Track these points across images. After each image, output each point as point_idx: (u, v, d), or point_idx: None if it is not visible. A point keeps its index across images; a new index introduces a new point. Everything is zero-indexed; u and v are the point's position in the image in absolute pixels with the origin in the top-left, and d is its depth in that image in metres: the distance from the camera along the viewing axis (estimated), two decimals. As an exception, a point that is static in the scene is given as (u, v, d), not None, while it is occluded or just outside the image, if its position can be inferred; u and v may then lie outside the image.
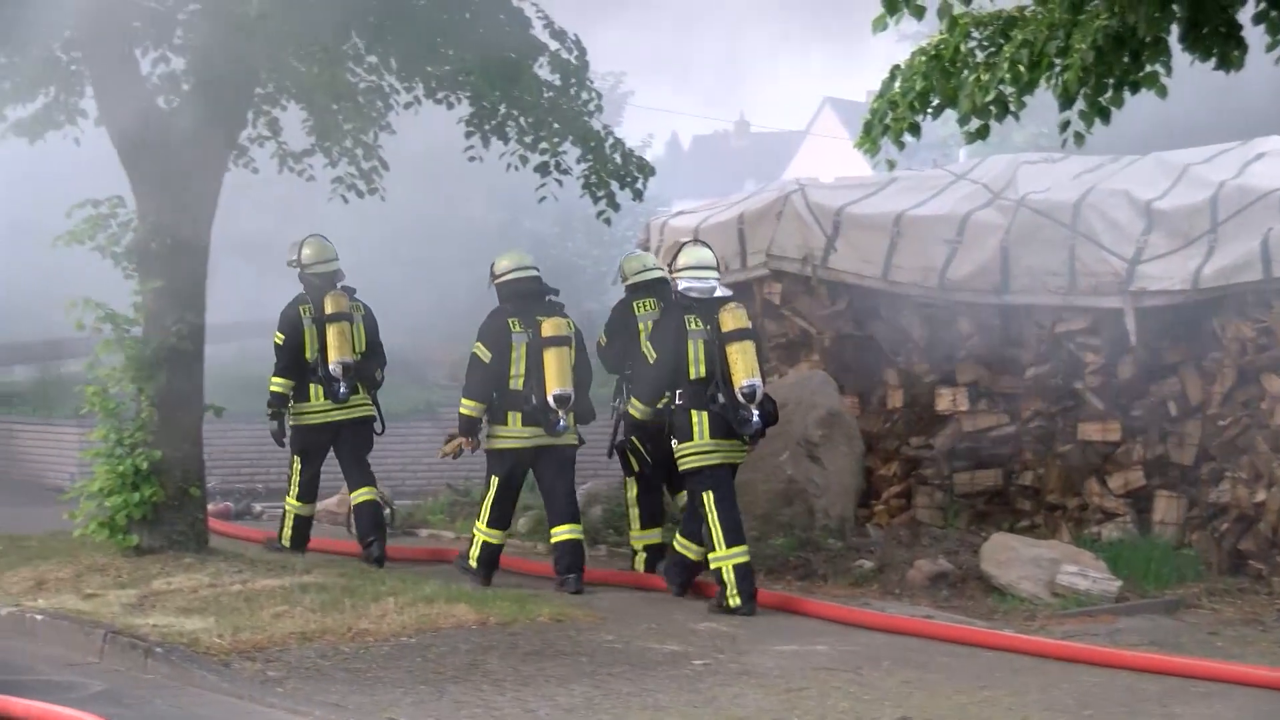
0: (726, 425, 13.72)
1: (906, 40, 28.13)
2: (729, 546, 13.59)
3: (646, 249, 19.18)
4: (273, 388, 16.21)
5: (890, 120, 9.29)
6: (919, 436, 16.68)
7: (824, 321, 17.55)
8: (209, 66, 15.16)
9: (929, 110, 9.29)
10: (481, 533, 14.80)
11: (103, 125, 15.48)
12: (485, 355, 14.78)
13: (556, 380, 14.48)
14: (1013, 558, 14.08)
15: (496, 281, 15.22)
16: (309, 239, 16.73)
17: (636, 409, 14.33)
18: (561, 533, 14.64)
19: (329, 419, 16.18)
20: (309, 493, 16.24)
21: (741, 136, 72.26)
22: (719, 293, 14.21)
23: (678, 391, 13.91)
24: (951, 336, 16.50)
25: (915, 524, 16.16)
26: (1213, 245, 15.01)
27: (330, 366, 15.97)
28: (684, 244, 14.81)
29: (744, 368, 13.66)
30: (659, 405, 14.11)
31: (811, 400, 16.60)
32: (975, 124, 9.31)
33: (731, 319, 13.86)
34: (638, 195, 16.64)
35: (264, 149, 17.07)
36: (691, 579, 14.30)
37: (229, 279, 18.16)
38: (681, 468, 14.00)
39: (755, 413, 13.67)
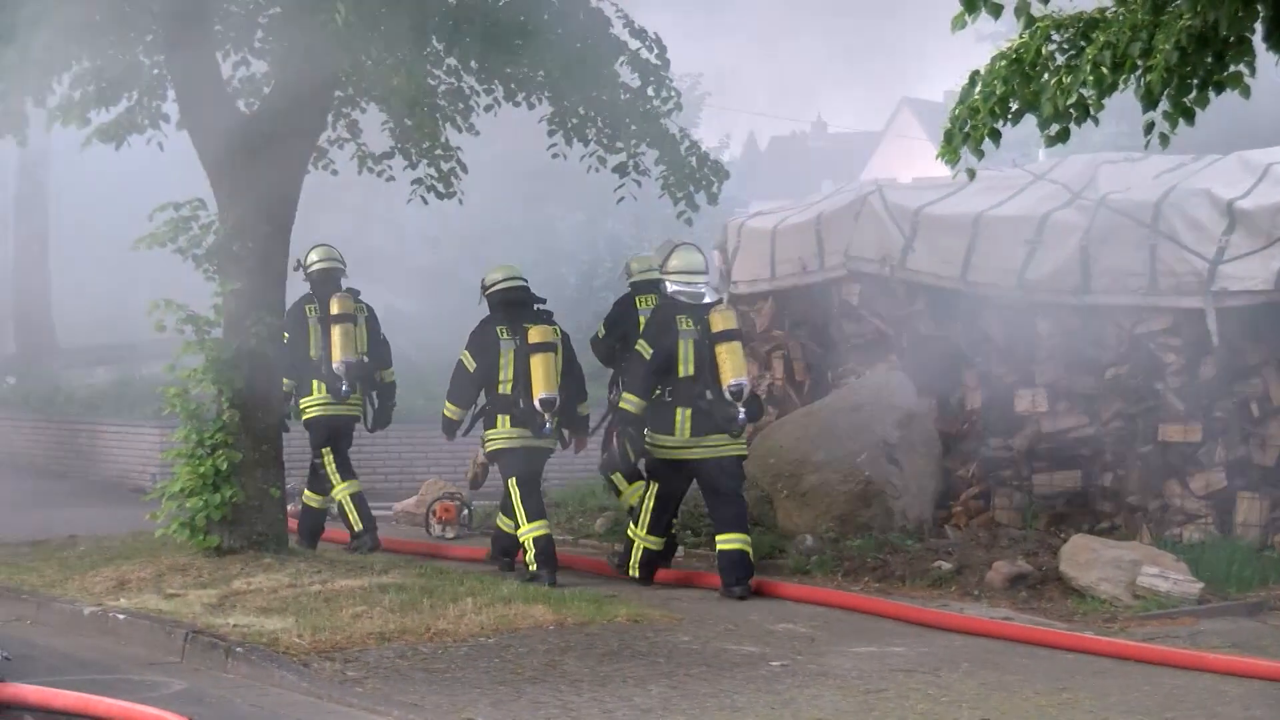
0: (709, 421, 14.46)
1: (985, 40, 28.04)
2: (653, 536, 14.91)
3: (724, 250, 19.24)
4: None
5: (970, 128, 9.25)
6: (998, 438, 16.61)
7: (902, 322, 17.52)
8: (289, 70, 15.26)
9: (1009, 116, 9.25)
10: (527, 531, 15.18)
11: (184, 129, 15.59)
12: (470, 364, 15.59)
13: (543, 385, 15.07)
14: (1092, 559, 14.00)
15: (487, 293, 15.79)
16: (315, 246, 17.36)
17: (629, 402, 14.76)
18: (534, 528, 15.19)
19: (329, 413, 16.80)
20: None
21: (819, 137, 72.17)
22: (709, 298, 14.92)
23: (666, 388, 14.62)
24: (1030, 337, 16.42)
25: (994, 525, 16.10)
26: (1295, 245, 14.90)
27: (334, 365, 16.61)
28: (677, 246, 15.24)
29: (731, 367, 14.47)
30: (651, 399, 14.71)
31: (889, 401, 16.58)
32: (1056, 127, 9.27)
33: (721, 320, 14.64)
34: (712, 199, 16.66)
35: (343, 151, 17.18)
36: (654, 570, 15.11)
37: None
38: (657, 458, 14.83)
39: (741, 410, 14.47)
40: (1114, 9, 9.14)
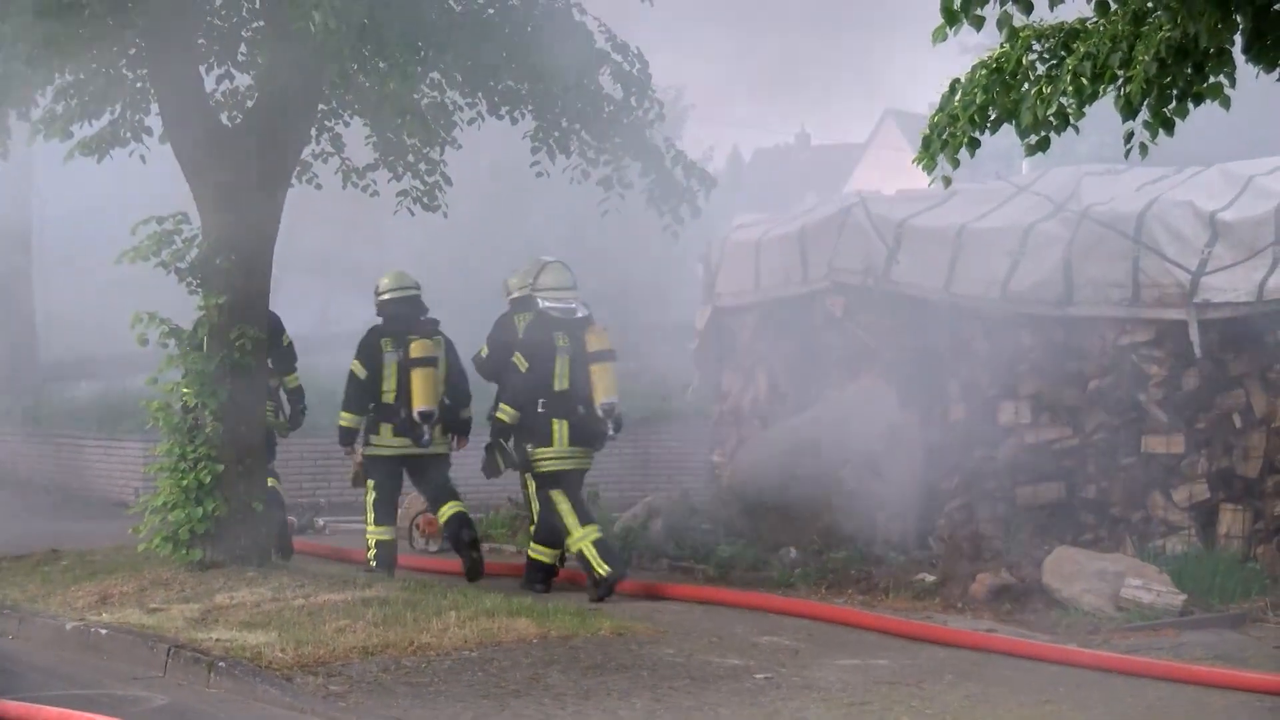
0: (584, 434, 15.11)
1: (969, 53, 28.08)
2: (583, 526, 14.96)
3: (708, 263, 19.25)
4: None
5: (948, 136, 9.26)
6: (981, 449, 16.61)
7: (886, 334, 17.52)
8: (272, 83, 15.27)
9: (988, 125, 9.26)
10: (373, 533, 15.83)
11: (167, 142, 15.59)
12: (361, 372, 15.94)
13: (421, 398, 15.56)
14: (1076, 571, 14.01)
15: (377, 300, 16.13)
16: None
17: (504, 413, 15.26)
18: (447, 509, 15.91)
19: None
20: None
21: (803, 150, 72.19)
22: (580, 313, 15.39)
23: (540, 400, 15.10)
24: (1013, 349, 16.43)
25: (977, 537, 16.09)
26: (1278, 257, 14.91)
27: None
28: (546, 264, 15.68)
29: (604, 387, 15.04)
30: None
31: (873, 414, 16.59)
32: (1035, 136, 9.28)
33: (596, 340, 15.21)
34: (696, 211, 16.65)
35: (327, 164, 17.17)
36: (550, 579, 15.44)
37: (294, 294, 18.28)
38: (538, 470, 15.21)
39: (611, 427, 15.12)
40: (1095, 20, 9.16)
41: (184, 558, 14.62)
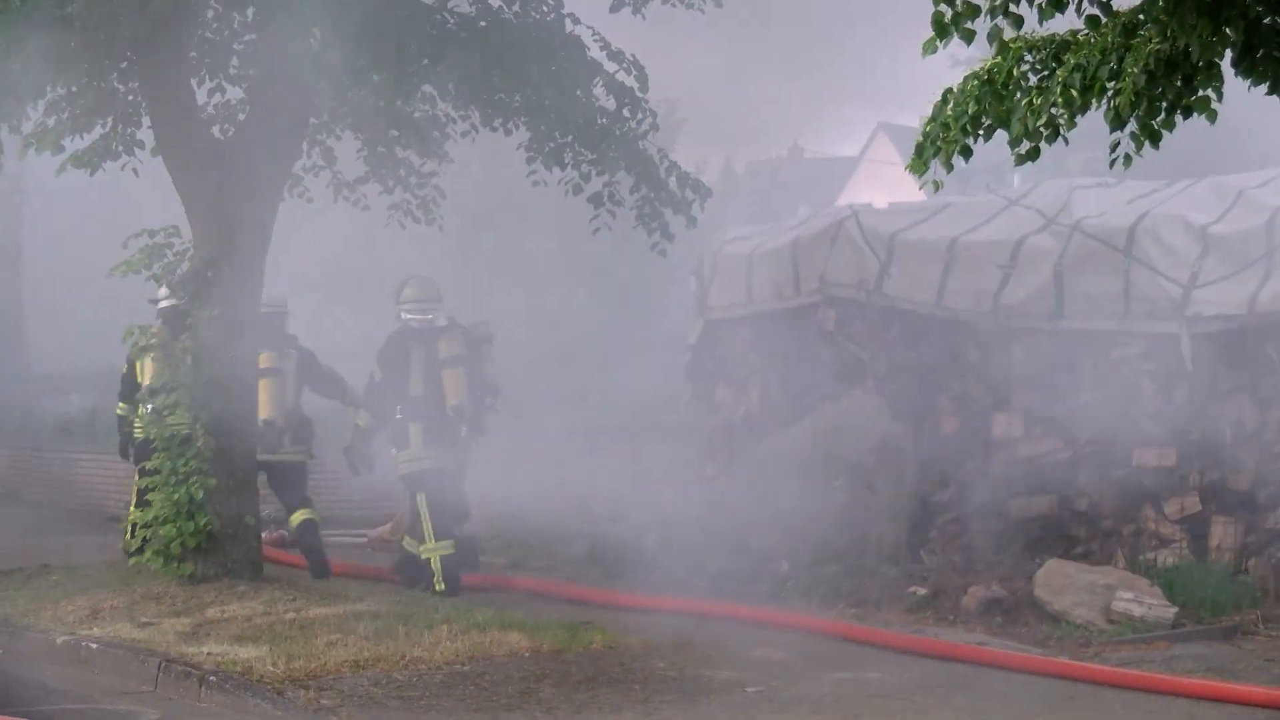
0: (440, 436, 15.88)
1: (960, 66, 28.11)
2: (437, 539, 15.76)
3: (700, 275, 19.25)
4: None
5: (941, 142, 9.28)
6: (973, 462, 16.60)
7: (878, 347, 17.52)
8: (264, 97, 15.26)
9: (980, 133, 9.28)
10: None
11: (159, 155, 15.59)
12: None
13: (262, 408, 15.96)
14: (1067, 584, 14.01)
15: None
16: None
17: (362, 418, 16.41)
18: (298, 515, 16.45)
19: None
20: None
21: (795, 163, 72.17)
22: (441, 323, 16.24)
23: (398, 406, 15.98)
24: (1005, 362, 16.43)
25: (969, 550, 16.09)
26: (1269, 270, 14.93)
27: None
28: (410, 278, 16.52)
29: (453, 390, 15.83)
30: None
31: (865, 427, 16.58)
32: (1026, 146, 9.30)
33: (446, 347, 16.02)
34: (691, 222, 16.64)
35: (319, 178, 17.17)
36: (422, 573, 15.97)
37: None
38: (399, 473, 16.10)
39: (464, 427, 15.90)
40: (1085, 32, 9.17)
41: (175, 571, 14.60)
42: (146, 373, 16.40)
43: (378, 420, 16.31)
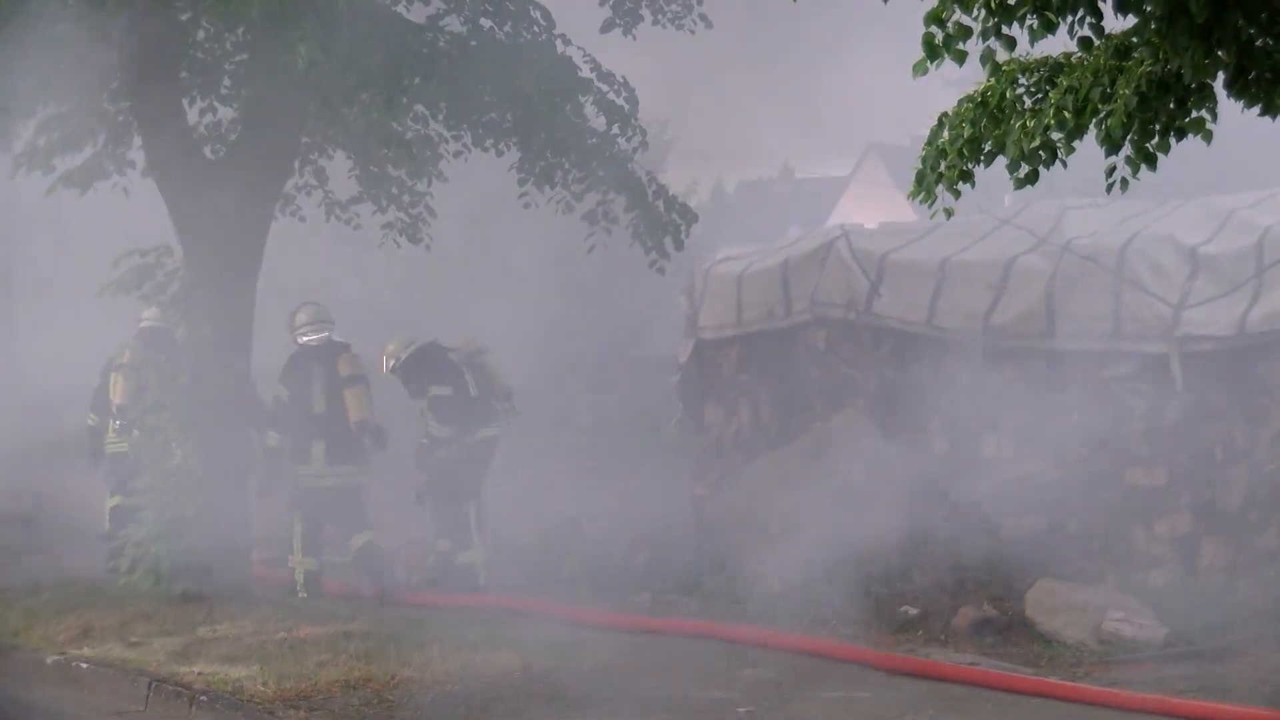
0: (342, 453, 16.33)
1: (952, 86, 28.11)
2: (305, 556, 16.37)
3: (690, 295, 19.25)
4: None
5: (944, 169, 9.28)
6: (963, 482, 16.60)
7: (868, 367, 17.53)
8: (256, 116, 15.27)
9: (981, 157, 9.28)
10: None
11: (150, 175, 15.59)
12: None
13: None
14: (1058, 604, 14.01)
15: None
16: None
17: (270, 438, 16.57)
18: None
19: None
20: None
21: (786, 183, 72.20)
22: (337, 339, 16.67)
23: (301, 424, 16.41)
24: (996, 382, 16.44)
25: (960, 570, 16.08)
26: (1259, 290, 14.94)
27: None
28: (302, 304, 16.96)
29: (355, 408, 16.31)
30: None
31: (856, 447, 16.58)
32: (1024, 170, 9.30)
33: (346, 366, 16.48)
34: (679, 244, 16.66)
35: (310, 198, 17.18)
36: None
37: (276, 326, 18.27)
38: (300, 486, 16.48)
39: (368, 443, 16.40)
40: (1079, 54, 9.18)
41: (166, 591, 14.58)
42: (117, 390, 16.92)
43: (286, 439, 16.58)
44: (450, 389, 16.81)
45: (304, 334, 16.55)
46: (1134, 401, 15.54)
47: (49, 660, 13.22)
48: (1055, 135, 9.07)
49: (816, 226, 26.36)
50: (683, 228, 16.71)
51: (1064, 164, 9.27)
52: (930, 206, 9.57)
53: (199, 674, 12.19)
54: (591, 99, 16.23)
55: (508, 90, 15.41)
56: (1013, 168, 9.27)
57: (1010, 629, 14.13)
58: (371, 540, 16.51)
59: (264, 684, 11.76)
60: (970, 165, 9.38)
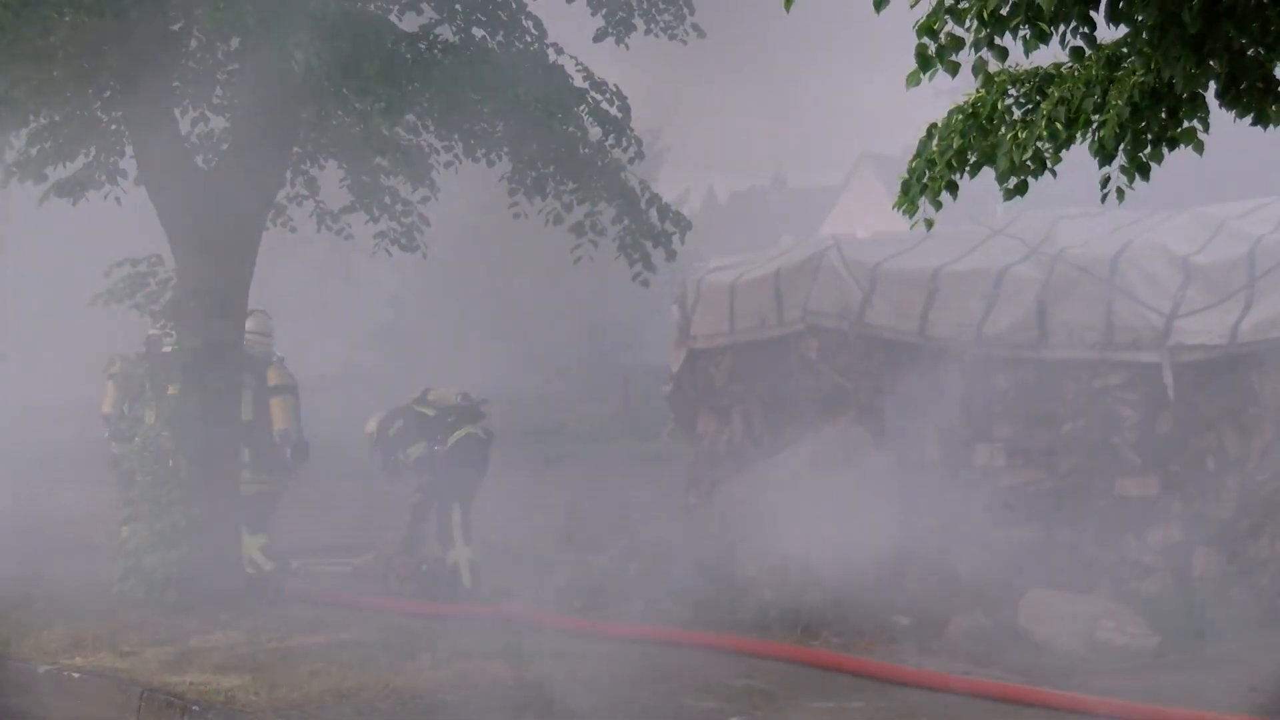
0: (266, 461, 16.69)
1: (943, 96, 28.10)
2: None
3: (683, 305, 19.27)
4: None
5: (928, 179, 9.28)
6: (956, 491, 16.62)
7: (860, 377, 17.54)
8: (248, 126, 15.27)
9: (967, 168, 9.28)
10: None
11: (142, 185, 15.58)
12: None
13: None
14: (1050, 613, 14.02)
15: None
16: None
17: None
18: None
19: None
20: None
21: (778, 192, 72.25)
22: (276, 354, 17.11)
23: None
24: (988, 391, 16.46)
25: (952, 579, 16.09)
26: (1250, 300, 14.97)
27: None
28: (253, 311, 16.86)
29: (279, 418, 16.75)
30: None
31: (847, 456, 16.59)
32: (1014, 181, 9.30)
33: (273, 376, 16.89)
34: (671, 255, 16.67)
35: (302, 208, 17.17)
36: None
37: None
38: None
39: (289, 451, 16.80)
40: (1070, 65, 9.18)
41: (158, 600, 14.56)
42: (106, 401, 17.34)
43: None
44: (423, 444, 17.30)
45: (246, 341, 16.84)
46: (1126, 411, 15.55)
47: (41, 670, 13.19)
48: (1045, 146, 9.07)
49: (809, 236, 26.39)
50: (676, 236, 16.71)
51: (1053, 174, 9.28)
52: (912, 217, 9.57)
53: (191, 684, 12.17)
54: (587, 108, 16.24)
55: (505, 98, 15.41)
56: (1002, 178, 9.27)
57: (1002, 638, 14.13)
58: (267, 543, 16.69)
59: (256, 693, 11.75)
60: (957, 176, 9.38)
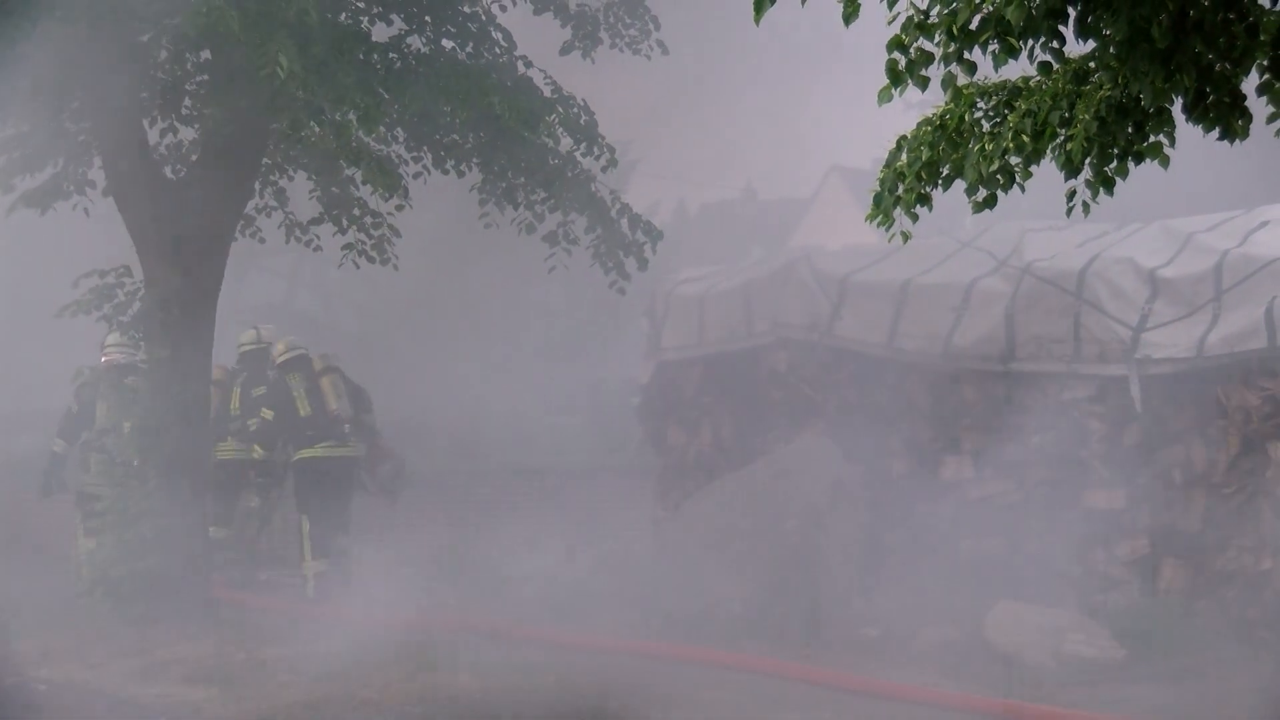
0: (111, 467, 16.43)
1: (913, 109, 28.16)
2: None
3: (652, 316, 19.26)
4: None
5: (901, 192, 9.29)
6: (924, 504, 16.63)
7: (829, 389, 17.55)
8: (217, 137, 15.24)
9: (939, 181, 9.30)
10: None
11: (110, 195, 15.55)
12: None
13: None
14: (1018, 626, 14.03)
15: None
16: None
17: (57, 444, 17.82)
18: None
19: None
20: None
21: (748, 204, 72.22)
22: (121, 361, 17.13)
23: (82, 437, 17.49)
24: (956, 403, 16.48)
25: (920, 591, 16.10)
26: (1217, 313, 14.99)
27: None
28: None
29: (129, 425, 16.42)
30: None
31: (817, 468, 16.59)
32: (983, 194, 9.32)
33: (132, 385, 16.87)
34: (643, 264, 16.68)
35: (271, 218, 17.15)
36: None
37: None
38: (83, 490, 17.19)
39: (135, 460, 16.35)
40: (1037, 79, 9.20)
41: (125, 612, 14.51)
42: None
43: (70, 447, 17.49)
44: (274, 412, 17.72)
45: (108, 354, 17.08)
46: (1093, 423, 15.58)
47: (7, 683, 13.13)
48: (1013, 159, 9.09)
49: (779, 248, 26.42)
50: (647, 245, 16.72)
51: (1022, 188, 9.31)
52: (888, 230, 9.58)
53: (157, 696, 12.15)
54: (558, 119, 16.24)
55: (478, 108, 15.40)
56: (971, 191, 9.28)
57: (970, 650, 14.14)
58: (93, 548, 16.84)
59: (224, 705, 11.73)
60: (928, 189, 9.40)
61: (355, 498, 17.64)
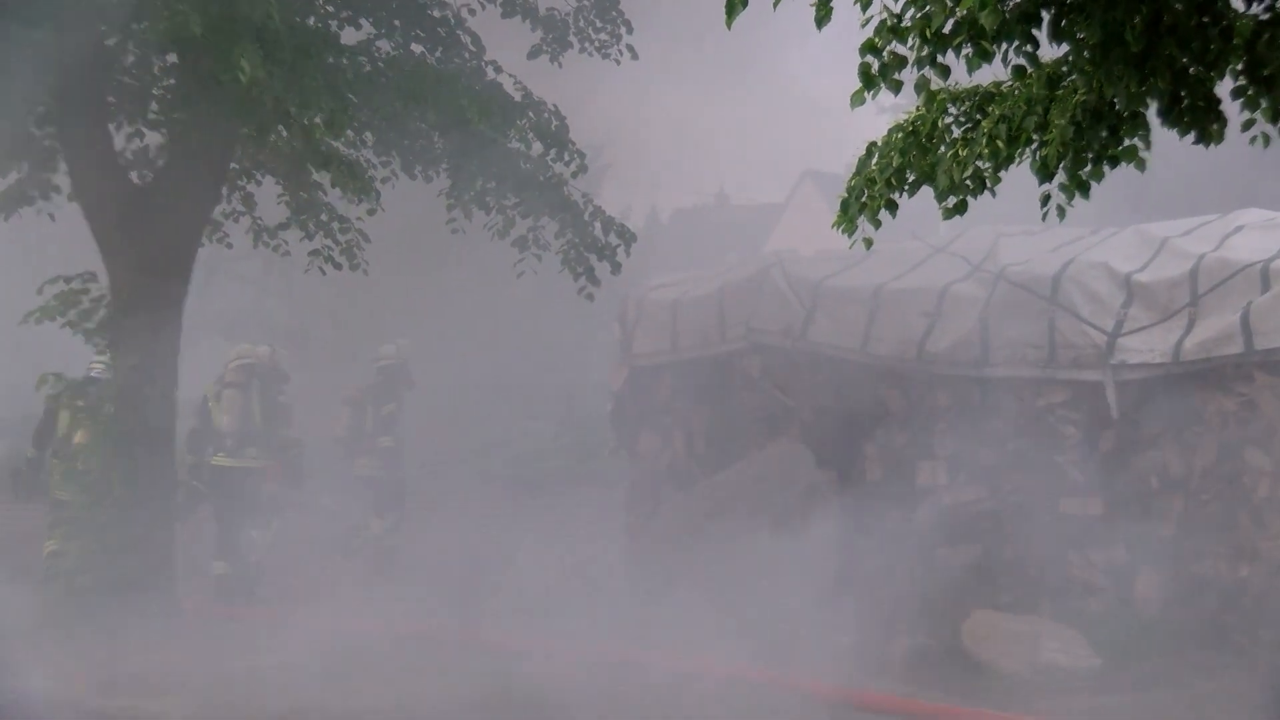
0: (71, 475, 16.49)
1: (886, 113, 28.14)
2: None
3: (623, 322, 19.19)
4: None
5: (867, 198, 9.23)
6: (898, 510, 16.56)
7: (803, 394, 17.48)
8: (184, 142, 15.13)
9: (905, 187, 9.23)
10: None
11: (76, 200, 15.43)
12: None
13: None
14: (993, 634, 13.97)
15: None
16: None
17: (31, 452, 17.40)
18: None
19: None
20: None
21: (721, 209, 72.27)
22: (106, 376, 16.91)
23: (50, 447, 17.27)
24: (930, 409, 16.42)
25: (895, 599, 16.03)
26: (1193, 318, 14.95)
27: None
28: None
29: (81, 435, 16.51)
30: None
31: (791, 474, 16.52)
32: (953, 200, 9.25)
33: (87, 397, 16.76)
34: (616, 268, 16.60)
35: (238, 224, 17.05)
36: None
37: (209, 352, 18.24)
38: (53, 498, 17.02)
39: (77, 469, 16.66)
40: (1010, 83, 9.14)
41: (92, 620, 14.40)
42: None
43: (41, 454, 17.24)
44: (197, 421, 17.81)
45: (91, 369, 17.00)
46: (1068, 429, 15.52)
47: (-29, 694, 13.02)
48: (985, 165, 9.02)
49: (752, 253, 26.35)
50: (621, 248, 16.64)
51: (993, 193, 9.24)
52: (851, 236, 9.51)
53: (123, 707, 12.04)
54: (529, 123, 16.16)
55: (448, 111, 15.29)
56: (941, 197, 9.22)
57: (945, 658, 14.09)
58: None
59: (190, 716, 11.61)
60: (896, 195, 9.34)
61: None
